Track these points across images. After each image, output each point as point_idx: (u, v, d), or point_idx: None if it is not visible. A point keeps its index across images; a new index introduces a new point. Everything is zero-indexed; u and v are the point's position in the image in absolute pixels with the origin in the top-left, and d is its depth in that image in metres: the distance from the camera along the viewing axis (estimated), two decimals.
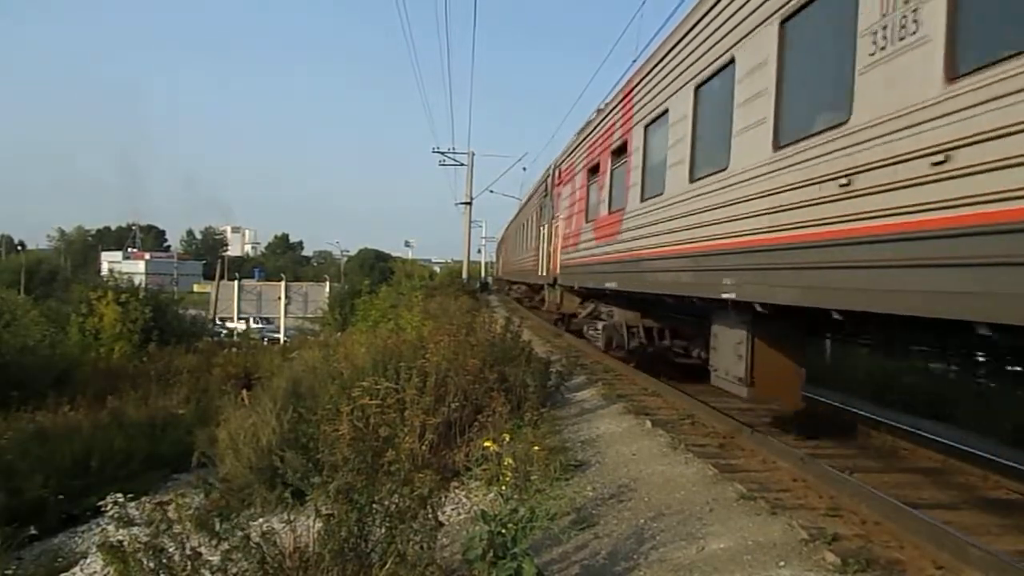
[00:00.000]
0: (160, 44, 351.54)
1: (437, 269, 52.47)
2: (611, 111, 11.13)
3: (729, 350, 6.78)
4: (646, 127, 9.03)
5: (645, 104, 9.12)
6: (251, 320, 47.01)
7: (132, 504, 4.50)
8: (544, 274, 17.52)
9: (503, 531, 3.69)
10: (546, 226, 17.46)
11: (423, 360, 7.61)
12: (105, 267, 77.57)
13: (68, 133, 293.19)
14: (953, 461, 5.98)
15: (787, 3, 5.35)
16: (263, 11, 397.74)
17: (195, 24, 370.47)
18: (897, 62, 4.08)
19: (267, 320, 47.74)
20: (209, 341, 27.51)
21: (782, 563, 3.83)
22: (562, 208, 15.27)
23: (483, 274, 57.06)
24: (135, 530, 3.75)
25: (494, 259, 58.95)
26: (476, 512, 4.23)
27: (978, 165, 3.44)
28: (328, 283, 48.94)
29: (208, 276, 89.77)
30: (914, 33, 3.93)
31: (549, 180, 17.88)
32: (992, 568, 3.53)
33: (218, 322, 43.65)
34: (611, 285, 10.28)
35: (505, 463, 5.49)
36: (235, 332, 38.49)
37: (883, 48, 4.21)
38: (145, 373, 19.06)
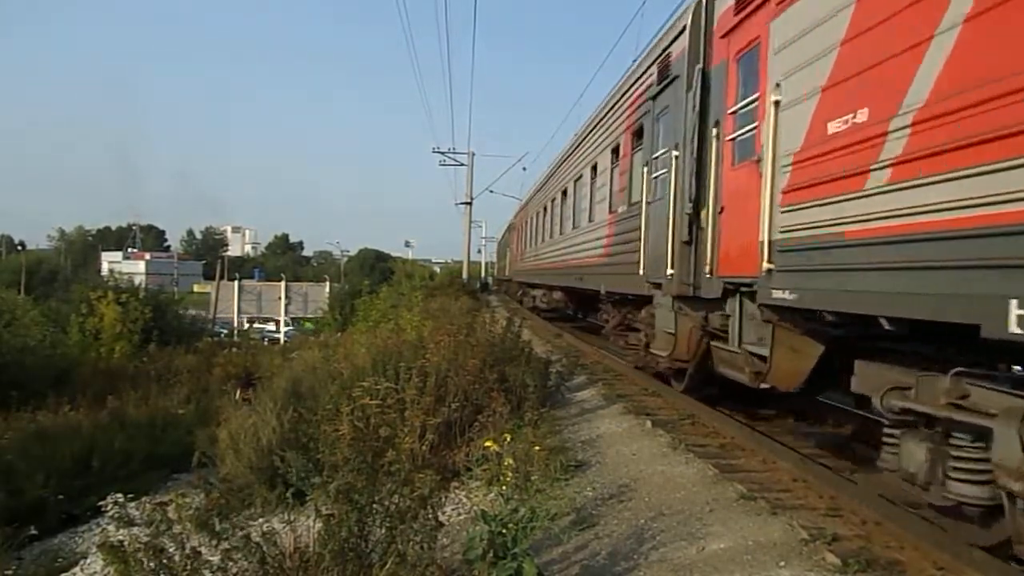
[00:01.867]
0: (160, 45, 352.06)
1: (437, 269, 52.51)
2: None
3: None
4: None
5: None
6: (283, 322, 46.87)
7: (132, 504, 4.50)
8: (666, 273, 7.65)
9: (503, 531, 3.69)
10: (679, 157, 7.54)
11: (423, 360, 7.61)
12: (105, 267, 77.62)
13: (68, 133, 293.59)
14: None
15: None
16: (263, 12, 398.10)
17: (197, 25, 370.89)
18: None
19: (297, 321, 47.50)
20: (209, 341, 27.50)
21: (782, 563, 3.83)
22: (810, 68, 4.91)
23: (483, 274, 57.12)
24: (135, 530, 3.75)
25: (495, 258, 58.87)
26: (476, 512, 4.23)
27: None
28: (328, 283, 48.97)
29: (208, 276, 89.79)
30: None
31: (700, 37, 7.25)
32: (992, 569, 3.53)
33: (254, 325, 43.98)
34: None
35: (505, 463, 5.50)
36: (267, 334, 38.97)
37: None
38: (145, 373, 19.07)
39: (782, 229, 5.24)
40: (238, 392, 9.02)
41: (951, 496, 3.87)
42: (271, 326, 47.86)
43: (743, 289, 6.06)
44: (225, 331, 39.37)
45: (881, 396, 4.41)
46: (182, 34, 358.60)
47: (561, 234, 16.40)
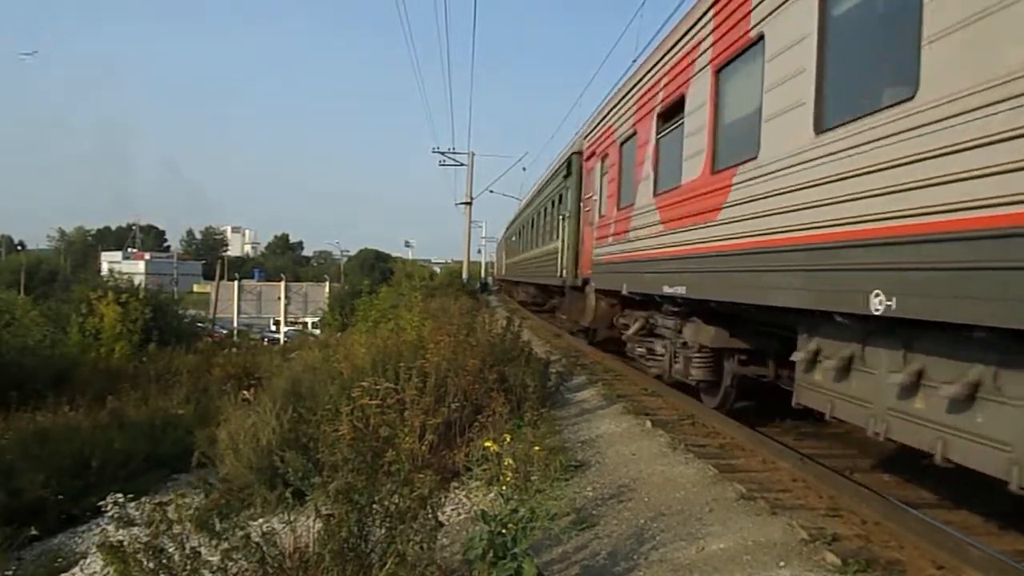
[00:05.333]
0: (161, 45, 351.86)
1: (437, 269, 52.44)
2: None
3: None
4: None
5: None
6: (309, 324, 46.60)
7: (132, 504, 4.51)
8: None
9: (503, 531, 3.68)
10: None
11: (423, 360, 7.62)
12: (105, 267, 77.62)
13: (68, 133, 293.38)
14: None
15: None
16: (263, 14, 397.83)
17: (199, 26, 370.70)
18: None
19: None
20: (208, 341, 27.47)
21: (782, 563, 3.83)
22: None
23: (483, 274, 57.17)
24: (135, 530, 3.75)
25: (494, 258, 58.80)
26: (476, 512, 4.23)
27: None
28: (328, 283, 49.00)
29: (208, 276, 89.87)
30: None
31: None
32: (992, 568, 3.53)
33: (272, 328, 43.72)
34: None
35: (505, 463, 5.51)
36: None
37: None
38: (145, 373, 19.04)
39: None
40: (250, 391, 9.06)
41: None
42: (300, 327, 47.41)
43: None
44: (225, 331, 39.34)
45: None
46: (184, 34, 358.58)
47: None
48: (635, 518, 4.77)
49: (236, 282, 48.59)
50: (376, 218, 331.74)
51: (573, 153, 14.40)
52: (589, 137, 13.06)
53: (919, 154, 3.82)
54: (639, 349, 9.85)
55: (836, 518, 4.45)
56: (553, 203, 17.35)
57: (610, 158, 11.00)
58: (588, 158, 13.10)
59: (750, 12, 5.94)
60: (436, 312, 14.54)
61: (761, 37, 5.76)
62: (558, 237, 15.60)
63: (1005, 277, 3.26)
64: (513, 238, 32.87)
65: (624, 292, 9.66)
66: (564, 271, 14.60)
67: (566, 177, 15.13)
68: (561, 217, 15.34)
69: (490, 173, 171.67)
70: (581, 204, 13.58)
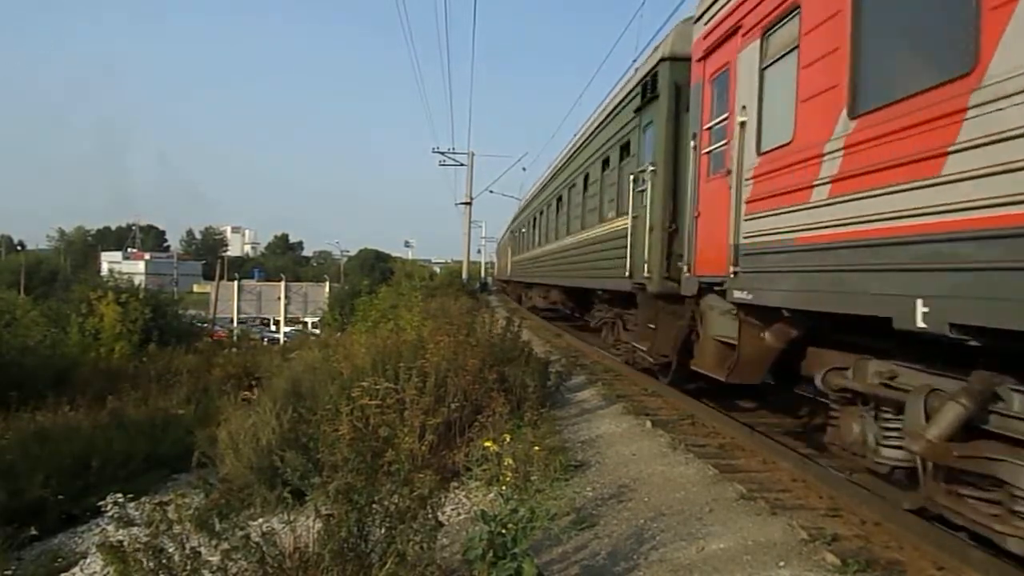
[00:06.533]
0: (162, 44, 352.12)
1: (437, 269, 52.45)
2: None
3: None
4: None
5: None
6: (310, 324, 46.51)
7: (132, 504, 4.51)
8: None
9: (503, 531, 3.68)
10: None
11: (423, 360, 7.61)
12: (105, 267, 77.69)
13: (68, 133, 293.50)
14: None
15: None
16: (263, 13, 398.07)
17: (199, 26, 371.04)
18: None
19: None
20: (208, 341, 27.45)
21: (782, 563, 3.83)
22: None
23: (483, 274, 57.23)
24: (135, 530, 3.75)
25: (495, 258, 58.85)
26: (476, 512, 4.22)
27: None
28: (328, 283, 49.02)
29: (208, 276, 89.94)
30: None
31: None
32: (992, 569, 3.53)
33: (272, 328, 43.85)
34: None
35: (505, 463, 5.51)
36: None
37: None
38: (145, 373, 19.03)
39: None
40: (251, 391, 9.05)
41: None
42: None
43: None
44: (225, 331, 39.32)
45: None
46: (184, 34, 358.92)
47: None
48: (635, 518, 4.78)
49: (236, 282, 48.53)
50: (376, 218, 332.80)
51: (662, 60, 8.51)
52: (714, 10, 6.85)
53: None
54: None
55: (836, 518, 4.45)
56: (606, 162, 11.48)
57: (807, 18, 5.05)
58: (708, 54, 7.09)
59: None
60: (436, 312, 14.53)
61: None
62: (621, 212, 10.13)
63: None
64: (523, 229, 25.54)
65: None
66: (645, 267, 8.68)
67: (640, 110, 9.32)
68: (630, 180, 9.46)
69: (490, 173, 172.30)
70: (693, 145, 7.45)
